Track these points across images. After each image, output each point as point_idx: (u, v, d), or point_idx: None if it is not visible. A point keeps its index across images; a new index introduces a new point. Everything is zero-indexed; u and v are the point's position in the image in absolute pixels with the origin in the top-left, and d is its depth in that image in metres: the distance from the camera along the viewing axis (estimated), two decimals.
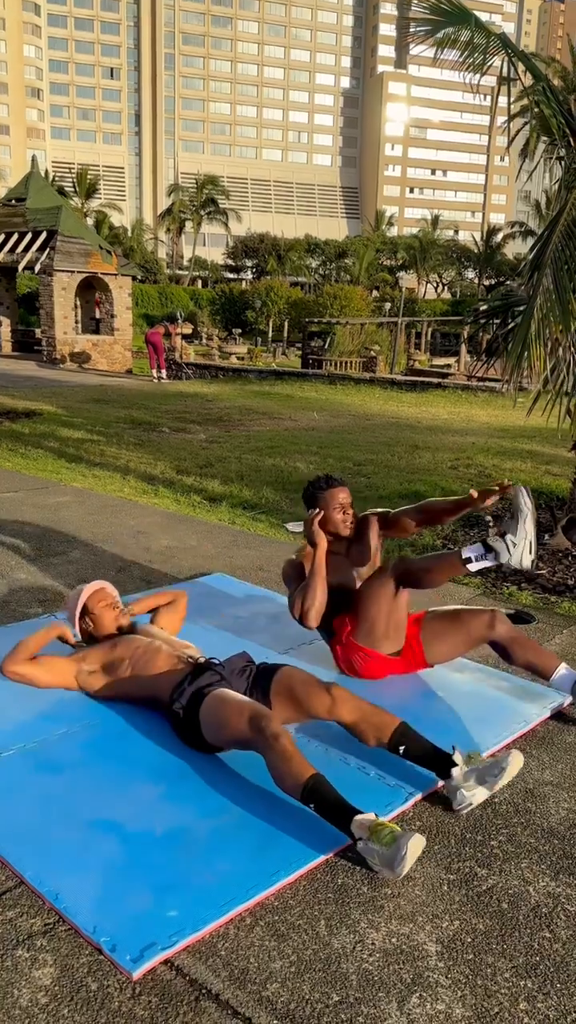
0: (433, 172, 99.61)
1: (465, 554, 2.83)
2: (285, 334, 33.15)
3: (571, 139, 4.65)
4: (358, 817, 2.12)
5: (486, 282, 59.61)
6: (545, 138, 5.13)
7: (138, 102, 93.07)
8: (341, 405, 12.65)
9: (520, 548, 2.71)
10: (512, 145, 6.07)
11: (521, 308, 5.75)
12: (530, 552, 2.71)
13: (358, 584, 3.20)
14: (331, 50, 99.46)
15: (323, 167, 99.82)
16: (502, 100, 5.60)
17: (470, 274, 65.56)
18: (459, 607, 3.21)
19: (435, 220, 68.84)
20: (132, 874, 2.05)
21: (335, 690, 2.55)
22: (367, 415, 11.52)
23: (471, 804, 2.35)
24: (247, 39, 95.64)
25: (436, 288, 65.47)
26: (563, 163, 4.57)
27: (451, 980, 1.78)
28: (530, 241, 60.42)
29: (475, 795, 2.36)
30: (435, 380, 15.62)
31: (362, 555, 3.25)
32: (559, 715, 2.98)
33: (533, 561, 2.75)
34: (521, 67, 5.10)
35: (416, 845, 2.04)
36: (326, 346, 22.55)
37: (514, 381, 4.39)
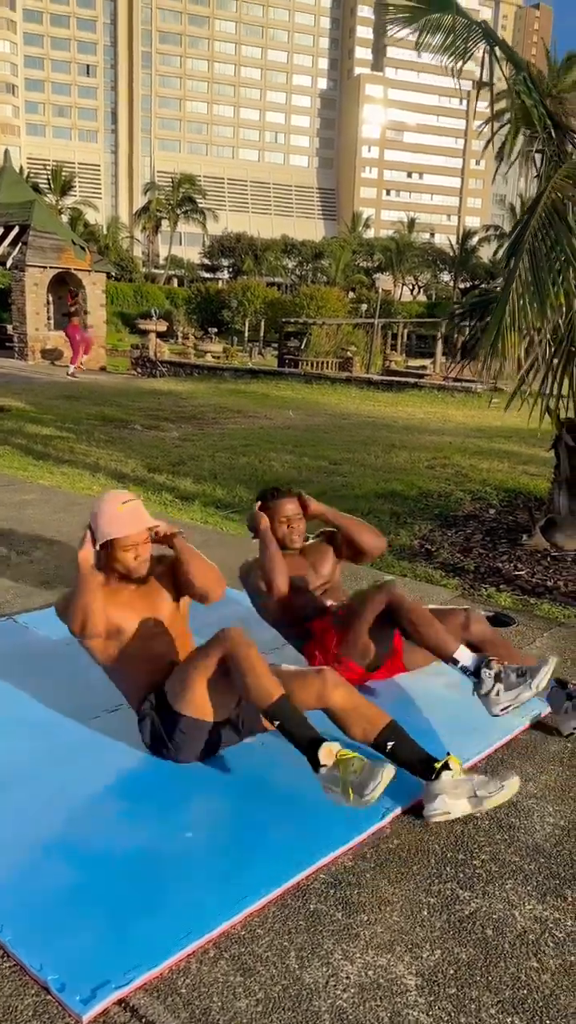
0: (409, 175, 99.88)
1: (457, 656, 2.60)
2: (261, 334, 32.99)
3: (552, 130, 4.54)
4: (327, 744, 2.14)
5: (461, 285, 59.88)
6: (525, 130, 5.02)
7: (114, 100, 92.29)
8: (317, 404, 12.51)
9: (498, 705, 2.53)
10: (488, 148, 5.96)
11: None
12: (500, 711, 2.54)
13: (320, 592, 3.08)
14: (308, 51, 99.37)
15: (300, 168, 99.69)
16: (482, 104, 5.48)
17: (445, 277, 65.80)
18: (434, 607, 3.05)
19: (411, 223, 69.00)
20: (85, 902, 1.88)
21: (327, 673, 2.38)
22: (343, 414, 11.39)
23: (448, 814, 2.21)
24: (224, 39, 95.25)
25: (412, 290, 65.64)
26: (544, 154, 4.46)
27: (432, 1018, 1.63)
28: (505, 244, 60.82)
29: (456, 807, 2.22)
30: (411, 380, 15.55)
31: (318, 564, 3.13)
32: (541, 724, 2.85)
33: (497, 712, 2.56)
34: (501, 56, 4.99)
35: (389, 774, 2.08)
36: (302, 346, 22.43)
37: (488, 373, 4.29)
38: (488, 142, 5.79)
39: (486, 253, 62.63)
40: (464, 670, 2.60)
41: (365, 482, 6.57)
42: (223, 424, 10.06)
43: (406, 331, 33.12)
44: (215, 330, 33.54)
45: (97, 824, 2.18)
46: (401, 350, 30.85)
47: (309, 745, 2.17)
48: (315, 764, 2.15)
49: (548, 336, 3.73)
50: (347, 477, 6.80)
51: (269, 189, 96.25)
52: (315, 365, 20.02)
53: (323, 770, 2.13)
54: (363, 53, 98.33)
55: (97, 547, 2.44)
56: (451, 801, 2.21)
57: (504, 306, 3.43)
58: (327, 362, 20.59)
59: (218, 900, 1.89)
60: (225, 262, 60.90)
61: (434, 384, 14.92)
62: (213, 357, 24.91)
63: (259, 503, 3.09)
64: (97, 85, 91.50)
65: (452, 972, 1.75)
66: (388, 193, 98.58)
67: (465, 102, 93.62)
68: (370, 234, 72.67)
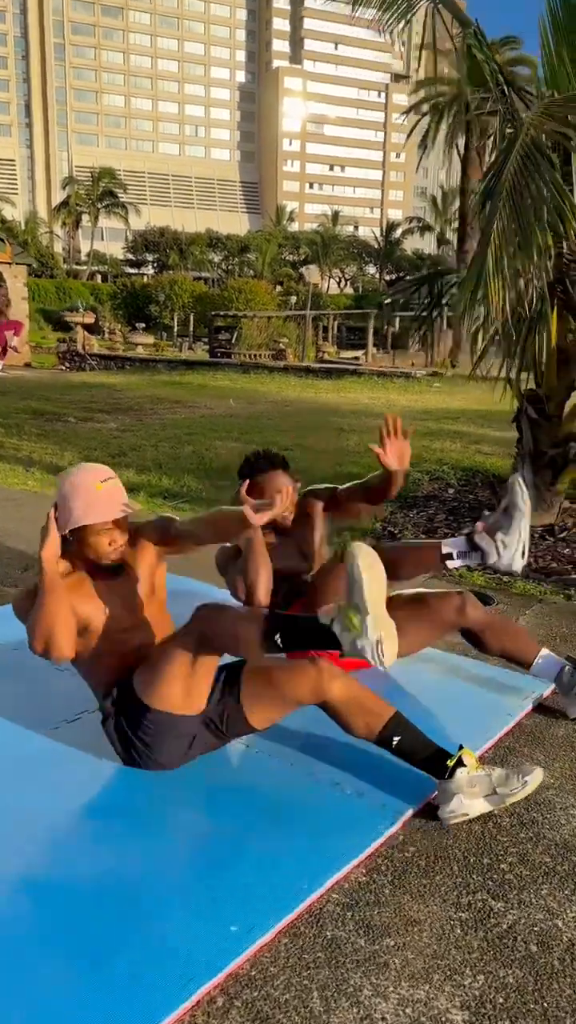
0: (331, 168, 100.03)
1: (446, 549, 2.41)
2: (191, 328, 32.44)
3: (504, 87, 4.36)
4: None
5: (387, 277, 60.32)
6: (475, 90, 4.84)
7: (28, 92, 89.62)
8: (257, 392, 12.23)
9: (512, 550, 2.33)
10: (409, 140, 5.80)
11: (452, 278, 5.47)
12: (522, 556, 2.35)
13: (307, 571, 2.79)
14: (225, 44, 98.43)
15: (221, 161, 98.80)
16: (400, 96, 5.28)
17: (371, 269, 66.22)
18: (422, 590, 2.82)
19: (335, 216, 69.14)
20: (52, 951, 1.56)
21: (322, 662, 2.06)
22: (286, 401, 11.13)
23: (467, 815, 1.97)
24: (139, 30, 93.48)
25: (339, 283, 65.79)
26: (499, 113, 4.28)
27: None
28: (428, 236, 61.74)
29: (474, 807, 1.98)
30: (350, 367, 15.41)
31: (305, 544, 2.83)
32: (543, 707, 2.64)
33: (524, 566, 2.38)
34: (449, 17, 4.81)
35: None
36: (234, 339, 22.08)
37: (470, 326, 4.13)
38: (414, 125, 5.61)
39: (410, 245, 63.34)
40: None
41: (319, 465, 6.33)
42: (162, 414, 9.68)
43: (336, 323, 33.07)
44: (143, 325, 32.87)
45: (63, 852, 1.86)
46: (332, 341, 30.78)
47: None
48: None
49: (536, 284, 3.50)
50: (299, 463, 6.51)
51: (191, 183, 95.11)
52: (248, 358, 19.72)
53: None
54: (280, 45, 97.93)
55: (66, 532, 2.09)
56: (468, 801, 1.97)
57: (485, 250, 3.22)
58: (260, 354, 20.32)
59: (219, 936, 1.60)
60: (150, 257, 59.82)
61: (373, 370, 14.81)
62: (144, 350, 24.35)
63: (244, 480, 2.51)
64: (9, 77, 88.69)
65: (502, 1001, 1.50)
66: (311, 186, 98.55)
67: (383, 95, 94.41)
68: (295, 227, 72.47)
